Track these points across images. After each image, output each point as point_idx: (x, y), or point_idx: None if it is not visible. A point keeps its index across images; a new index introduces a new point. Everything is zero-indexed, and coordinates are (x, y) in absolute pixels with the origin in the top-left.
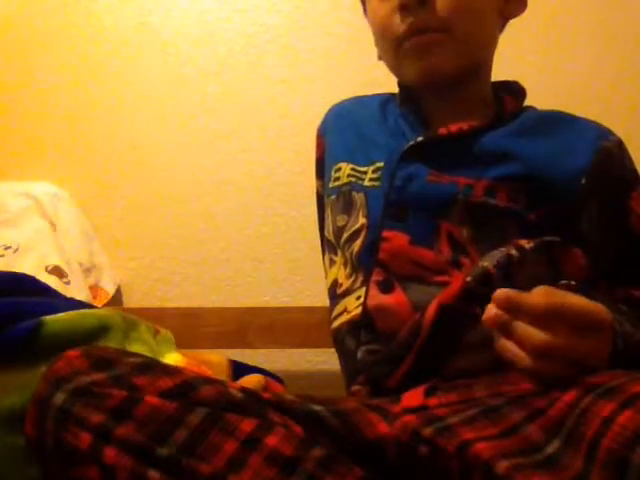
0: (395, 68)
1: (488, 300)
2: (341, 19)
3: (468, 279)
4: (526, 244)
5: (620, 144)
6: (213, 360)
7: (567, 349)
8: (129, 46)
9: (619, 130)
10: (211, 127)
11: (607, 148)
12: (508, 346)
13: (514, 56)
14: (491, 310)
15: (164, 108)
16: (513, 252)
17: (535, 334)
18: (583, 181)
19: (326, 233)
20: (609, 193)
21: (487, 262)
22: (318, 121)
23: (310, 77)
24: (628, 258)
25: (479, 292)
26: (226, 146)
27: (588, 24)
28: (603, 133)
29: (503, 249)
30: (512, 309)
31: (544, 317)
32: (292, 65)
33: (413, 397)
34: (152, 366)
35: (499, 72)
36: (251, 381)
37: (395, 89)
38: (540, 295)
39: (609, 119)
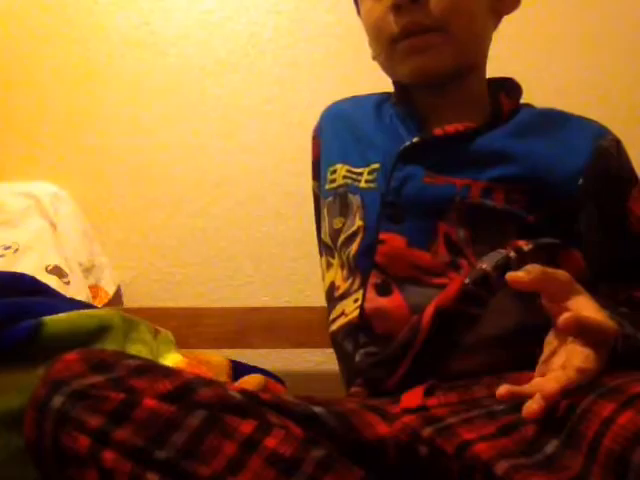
0: (389, 68)
1: (486, 302)
2: (341, 19)
3: (466, 281)
4: (524, 246)
5: (618, 143)
6: (213, 360)
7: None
8: (129, 46)
9: (618, 129)
10: (211, 127)
11: (604, 147)
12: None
13: (513, 55)
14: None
15: (164, 108)
16: (511, 254)
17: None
18: (581, 181)
19: (323, 235)
20: (607, 193)
21: (485, 264)
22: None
23: (310, 77)
24: (627, 258)
25: (477, 294)
26: (226, 146)
27: (588, 23)
28: (600, 132)
29: (501, 251)
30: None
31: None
32: (292, 65)
33: (412, 398)
34: (150, 368)
35: (498, 71)
36: (251, 381)
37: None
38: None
39: (608, 119)
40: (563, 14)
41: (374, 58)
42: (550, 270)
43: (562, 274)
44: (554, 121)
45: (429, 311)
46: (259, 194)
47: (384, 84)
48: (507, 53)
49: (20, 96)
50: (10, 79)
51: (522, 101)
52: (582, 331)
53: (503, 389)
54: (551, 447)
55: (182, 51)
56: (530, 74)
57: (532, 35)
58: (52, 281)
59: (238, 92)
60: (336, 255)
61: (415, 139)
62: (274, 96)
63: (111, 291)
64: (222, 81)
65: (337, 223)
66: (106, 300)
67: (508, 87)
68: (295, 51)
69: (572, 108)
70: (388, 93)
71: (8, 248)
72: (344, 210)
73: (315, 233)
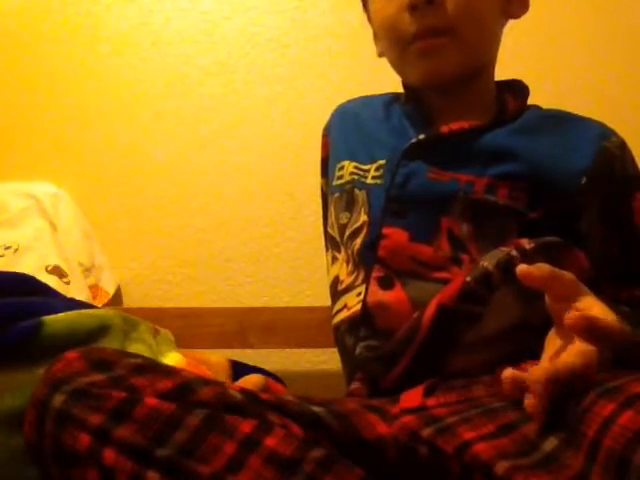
0: (399, 67)
1: (487, 300)
2: (341, 19)
3: (468, 279)
4: (527, 244)
5: (622, 144)
6: (213, 360)
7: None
8: (129, 46)
9: (620, 129)
10: (211, 127)
11: (609, 148)
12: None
13: (514, 56)
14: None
15: (164, 108)
16: (514, 252)
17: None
18: (584, 181)
19: (330, 230)
20: (611, 194)
21: (487, 262)
22: (318, 121)
23: (310, 77)
24: (630, 258)
25: (479, 292)
26: (226, 146)
27: (588, 24)
28: (605, 133)
29: (504, 249)
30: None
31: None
32: (292, 65)
33: (412, 398)
34: (151, 367)
35: (499, 72)
36: (251, 381)
37: (396, 89)
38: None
39: (609, 120)
40: (564, 15)
41: (380, 55)
42: (558, 270)
43: (568, 275)
44: (559, 121)
45: (430, 308)
46: (259, 194)
47: (384, 84)
48: (507, 55)
49: (20, 96)
50: (10, 79)
51: (529, 102)
52: (591, 330)
53: (507, 372)
54: (551, 447)
55: (182, 51)
56: (530, 75)
57: (531, 36)
58: (52, 281)
59: (238, 92)
60: (342, 250)
61: (421, 136)
62: (274, 96)
63: (111, 291)
64: (222, 81)
65: (343, 218)
66: (106, 300)
67: (515, 88)
68: (295, 51)
69: (572, 109)
70: (397, 93)
71: (8, 248)
72: (350, 205)
73: (317, 232)
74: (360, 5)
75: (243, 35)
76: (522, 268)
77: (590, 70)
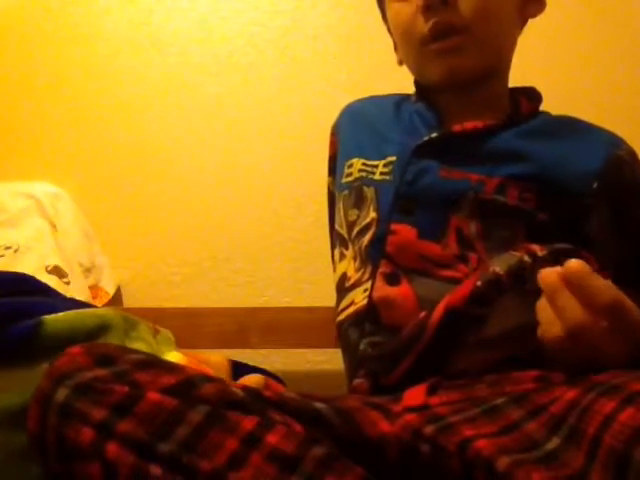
0: (418, 69)
1: (494, 303)
2: (341, 19)
3: (478, 283)
4: (539, 250)
5: (633, 153)
6: (213, 360)
7: (597, 340)
8: (129, 46)
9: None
10: (211, 127)
11: (619, 156)
12: (548, 309)
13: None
14: (552, 274)
15: (164, 108)
16: (525, 258)
17: (579, 310)
18: (595, 185)
19: (338, 227)
20: (621, 200)
21: (498, 267)
22: (318, 121)
23: (310, 77)
24: (638, 265)
25: (489, 297)
26: (226, 146)
27: (588, 25)
28: (616, 141)
29: (515, 253)
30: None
31: (602, 309)
32: (292, 65)
33: (415, 396)
34: (154, 363)
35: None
36: (251, 381)
37: (396, 89)
38: (608, 287)
39: (608, 122)
40: (564, 20)
41: (400, 63)
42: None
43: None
44: (571, 126)
45: (439, 310)
46: (259, 194)
47: (384, 84)
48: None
49: (20, 96)
50: (10, 79)
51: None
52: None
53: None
54: (552, 444)
55: (182, 51)
56: (530, 81)
57: (532, 42)
58: (52, 281)
59: (238, 92)
60: (350, 246)
61: (433, 134)
62: (274, 96)
63: (111, 291)
64: (222, 81)
65: (352, 215)
66: (106, 300)
67: (529, 93)
68: (295, 51)
69: (571, 112)
70: (407, 94)
71: (8, 248)
72: (359, 202)
73: (318, 232)
74: (362, 8)
75: (243, 35)
76: (544, 275)
77: (592, 77)
